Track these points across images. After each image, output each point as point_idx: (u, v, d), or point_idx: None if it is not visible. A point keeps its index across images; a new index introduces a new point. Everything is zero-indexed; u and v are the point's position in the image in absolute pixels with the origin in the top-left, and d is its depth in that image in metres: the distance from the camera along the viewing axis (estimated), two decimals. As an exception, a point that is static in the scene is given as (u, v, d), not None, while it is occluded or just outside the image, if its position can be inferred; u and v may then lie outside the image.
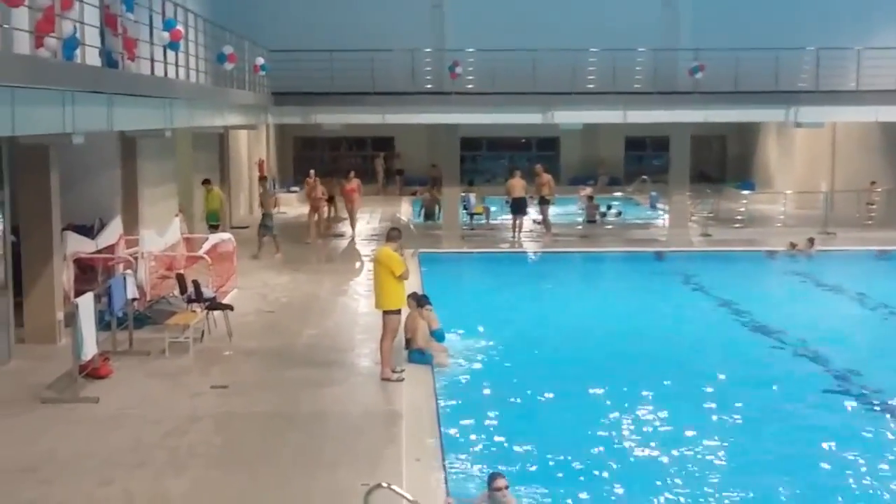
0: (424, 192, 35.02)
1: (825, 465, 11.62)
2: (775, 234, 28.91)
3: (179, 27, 16.03)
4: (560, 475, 11.15)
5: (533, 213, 30.39)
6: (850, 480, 11.18)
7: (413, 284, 15.85)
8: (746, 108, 28.49)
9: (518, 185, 28.85)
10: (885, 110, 27.79)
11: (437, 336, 15.49)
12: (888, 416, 13.54)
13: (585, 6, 29.61)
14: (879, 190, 30.79)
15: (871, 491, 10.97)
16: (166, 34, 15.39)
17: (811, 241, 26.36)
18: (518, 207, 28.84)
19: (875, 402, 14.01)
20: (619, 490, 10.83)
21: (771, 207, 34.08)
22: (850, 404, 14.01)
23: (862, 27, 29.46)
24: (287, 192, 37.95)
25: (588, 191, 34.05)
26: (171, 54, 16.36)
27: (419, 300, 15.62)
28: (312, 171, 28.93)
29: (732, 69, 27.07)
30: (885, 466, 11.56)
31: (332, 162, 47.84)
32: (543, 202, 29.30)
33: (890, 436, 12.83)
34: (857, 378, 15.04)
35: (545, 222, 29.42)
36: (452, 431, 12.21)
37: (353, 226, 29.37)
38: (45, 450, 10.97)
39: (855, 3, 29.99)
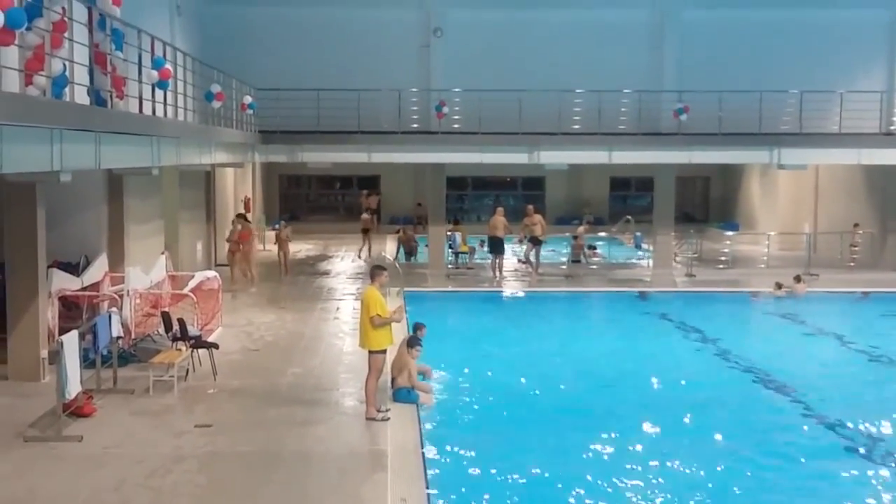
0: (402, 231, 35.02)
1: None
2: (758, 275, 29.03)
3: (168, 66, 16.11)
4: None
5: (519, 252, 30.35)
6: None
7: (400, 323, 15.81)
8: (730, 149, 28.67)
9: (498, 223, 28.89)
10: (867, 153, 28.05)
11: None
12: (871, 457, 13.57)
13: (571, 48, 29.91)
14: (862, 232, 31.04)
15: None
16: (155, 73, 15.50)
17: (798, 278, 26.47)
18: (494, 247, 28.87)
19: (858, 444, 14.06)
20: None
21: (754, 248, 34.25)
22: (833, 444, 14.05)
23: (844, 71, 29.82)
24: (272, 230, 37.82)
25: (582, 228, 33.94)
26: (159, 93, 16.45)
27: (410, 341, 15.60)
28: (235, 217, 28.13)
29: (716, 111, 27.32)
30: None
31: (318, 200, 48.15)
32: (535, 242, 29.34)
33: (869, 472, 12.94)
34: (840, 419, 15.06)
35: (534, 262, 29.41)
36: (438, 471, 12.17)
37: (245, 275, 26.49)
38: (27, 488, 10.89)
39: (838, 47, 30.33)
